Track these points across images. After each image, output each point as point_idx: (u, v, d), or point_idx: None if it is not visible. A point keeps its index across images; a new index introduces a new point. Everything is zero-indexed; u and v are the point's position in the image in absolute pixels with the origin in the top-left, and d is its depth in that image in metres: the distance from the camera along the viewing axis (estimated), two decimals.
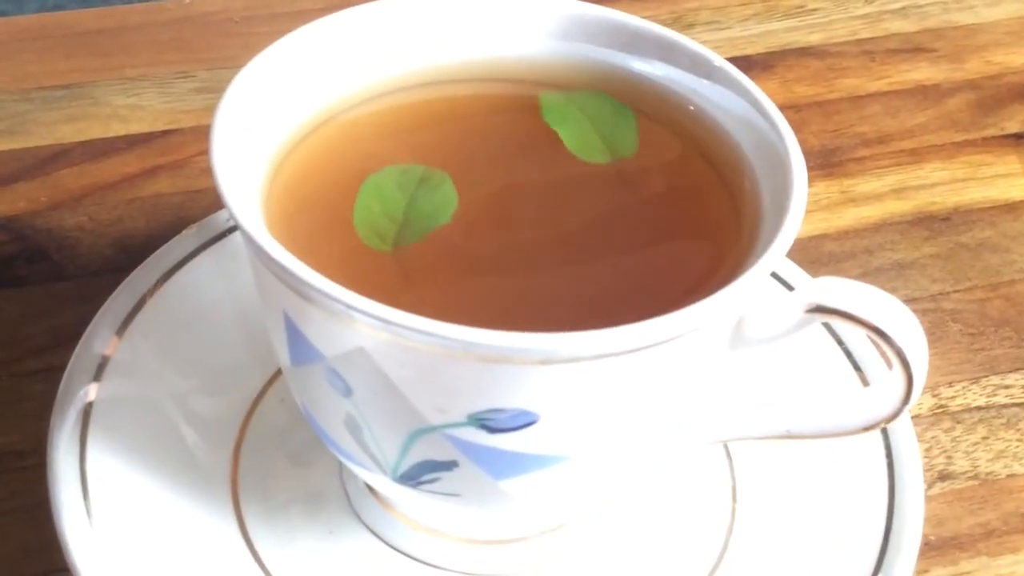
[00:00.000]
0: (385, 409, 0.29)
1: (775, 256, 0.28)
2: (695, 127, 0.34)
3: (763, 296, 0.30)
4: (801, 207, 0.29)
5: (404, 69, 0.36)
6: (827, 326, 0.39)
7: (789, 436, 0.33)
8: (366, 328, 0.27)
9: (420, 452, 0.30)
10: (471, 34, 0.36)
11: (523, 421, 0.29)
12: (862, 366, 0.39)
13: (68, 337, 0.39)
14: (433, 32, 0.35)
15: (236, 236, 0.41)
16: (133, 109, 0.51)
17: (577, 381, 0.28)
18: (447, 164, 0.33)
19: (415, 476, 0.31)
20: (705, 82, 0.35)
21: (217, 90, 0.52)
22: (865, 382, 0.38)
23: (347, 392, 0.30)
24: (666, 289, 0.30)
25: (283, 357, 0.32)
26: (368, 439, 0.31)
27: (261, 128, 0.32)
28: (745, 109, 0.33)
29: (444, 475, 0.31)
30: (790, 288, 0.41)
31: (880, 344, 0.30)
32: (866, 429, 0.32)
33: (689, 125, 0.34)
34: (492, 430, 0.29)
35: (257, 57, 0.32)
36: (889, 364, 0.31)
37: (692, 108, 0.35)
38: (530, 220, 0.32)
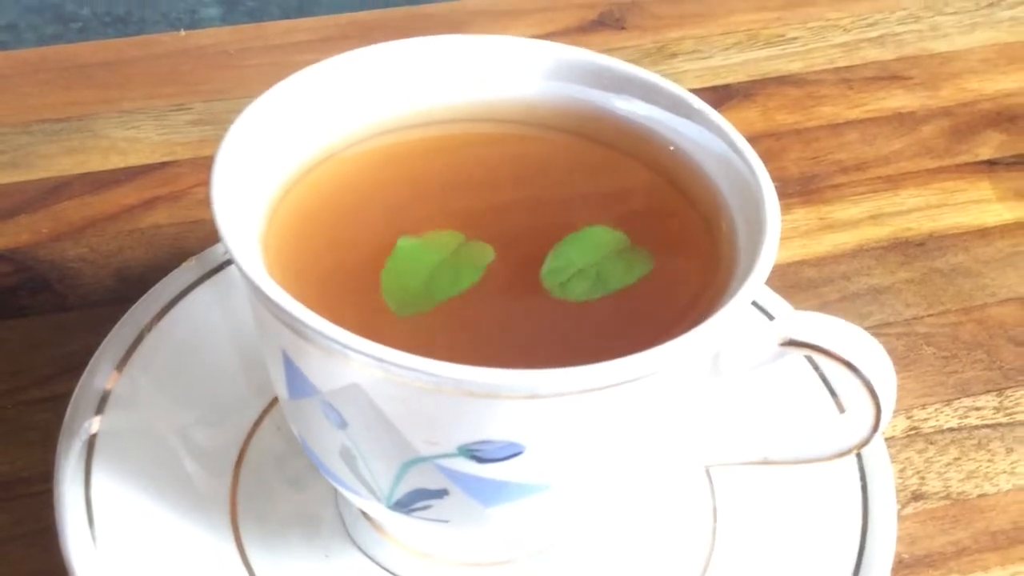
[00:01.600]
0: (379, 441, 0.31)
1: (746, 297, 0.29)
2: (675, 166, 0.36)
3: (740, 329, 0.32)
4: (773, 249, 0.31)
5: (399, 110, 0.37)
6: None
7: (766, 462, 0.35)
8: (361, 365, 0.29)
9: (412, 481, 0.32)
10: (461, 76, 0.37)
11: (510, 452, 0.30)
12: (838, 392, 0.40)
13: (72, 366, 0.40)
14: (425, 75, 0.37)
15: (233, 268, 0.42)
16: (131, 141, 0.52)
17: (561, 414, 0.29)
18: (443, 203, 0.34)
19: (408, 503, 0.33)
20: (685, 122, 0.36)
21: (213, 122, 0.53)
22: (841, 408, 0.40)
23: (342, 425, 0.31)
24: (646, 326, 0.32)
25: (281, 390, 0.33)
26: (362, 469, 0.32)
27: (260, 167, 0.34)
28: (723, 149, 0.35)
29: (435, 503, 0.32)
30: (769, 316, 0.42)
31: (849, 375, 0.31)
32: (838, 456, 0.34)
33: (669, 164, 0.36)
34: (481, 460, 0.30)
35: (258, 99, 0.34)
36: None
37: (672, 149, 0.36)
38: (517, 261, 0.33)
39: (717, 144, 0.35)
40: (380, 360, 0.28)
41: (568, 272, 0.33)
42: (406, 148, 0.37)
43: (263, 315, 0.31)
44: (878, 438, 0.39)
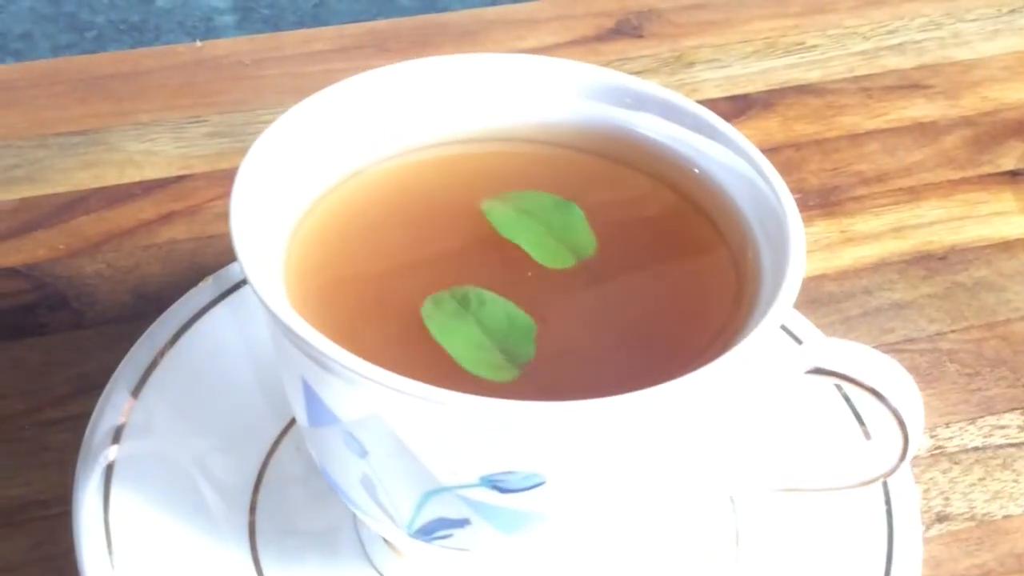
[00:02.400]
0: (400, 470, 0.31)
1: (771, 326, 0.29)
2: (698, 188, 0.35)
3: (766, 355, 0.32)
4: (798, 277, 0.30)
5: (420, 131, 0.37)
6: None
7: (792, 490, 0.34)
8: (383, 396, 0.28)
9: (434, 510, 0.31)
10: (483, 96, 0.37)
11: (533, 482, 0.30)
12: (865, 420, 0.40)
13: (89, 386, 0.40)
14: (447, 95, 0.37)
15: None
16: (147, 155, 0.52)
17: (584, 444, 0.29)
18: (467, 224, 0.34)
19: (429, 532, 0.32)
20: (709, 143, 0.36)
21: (229, 135, 0.53)
22: (867, 435, 0.39)
23: (363, 454, 0.31)
24: (670, 354, 0.31)
25: (301, 417, 0.33)
26: (383, 497, 0.32)
27: (280, 189, 0.34)
28: (747, 171, 0.34)
29: (456, 531, 0.32)
30: (793, 336, 0.42)
31: (877, 402, 0.31)
32: (864, 484, 0.33)
33: (693, 186, 0.35)
34: (503, 491, 0.30)
35: (278, 120, 0.34)
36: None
37: (696, 171, 0.36)
38: (541, 286, 0.33)
39: (741, 166, 0.35)
40: (402, 392, 0.28)
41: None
42: (428, 169, 0.36)
43: (283, 344, 0.30)
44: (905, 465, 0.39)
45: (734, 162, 0.35)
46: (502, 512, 0.31)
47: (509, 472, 0.29)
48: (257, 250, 0.31)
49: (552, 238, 0.34)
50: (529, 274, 0.33)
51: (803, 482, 0.34)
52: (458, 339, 0.31)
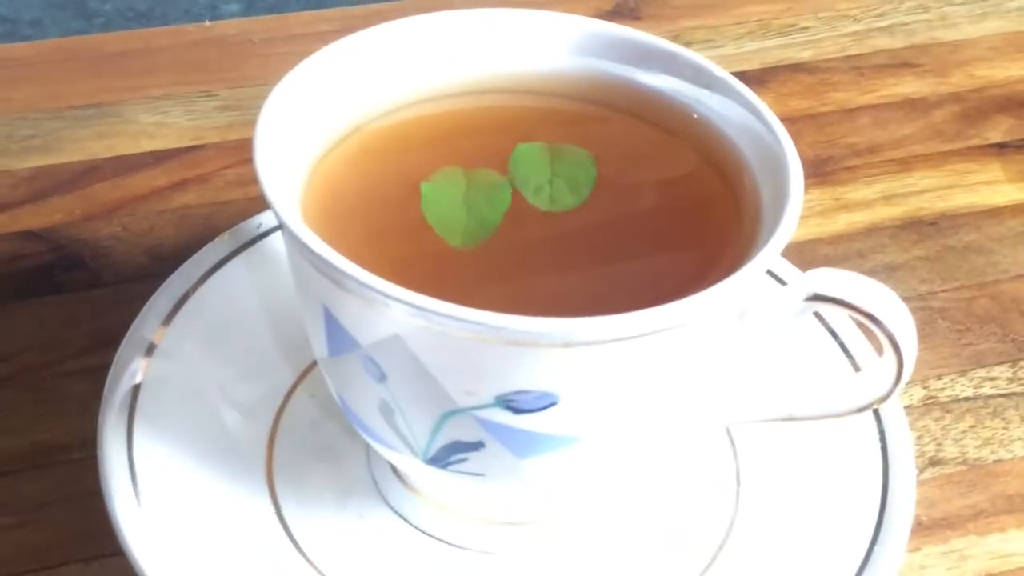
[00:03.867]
0: (417, 393, 0.32)
1: (778, 245, 0.30)
2: (698, 132, 0.37)
3: (764, 289, 0.33)
4: (799, 199, 0.32)
5: (425, 83, 0.38)
6: (820, 318, 0.42)
7: (791, 419, 0.36)
8: (401, 316, 0.30)
9: (449, 434, 0.33)
10: (485, 49, 0.38)
11: (547, 402, 0.31)
12: (853, 354, 0.41)
13: (107, 340, 0.41)
14: (451, 48, 0.38)
15: (265, 242, 0.43)
16: (160, 126, 0.54)
17: (595, 363, 0.30)
18: (471, 166, 0.36)
19: (444, 457, 0.34)
20: (706, 92, 0.37)
21: (239, 108, 0.55)
22: (856, 367, 0.41)
23: (381, 378, 0.32)
24: (676, 280, 0.33)
25: (320, 349, 0.34)
26: (400, 423, 0.33)
27: (298, 135, 0.35)
28: (744, 116, 0.36)
29: (471, 455, 0.33)
30: None
31: (872, 329, 0.33)
32: (861, 410, 0.35)
33: (693, 132, 0.37)
34: (517, 411, 0.31)
35: (295, 68, 0.35)
36: (879, 350, 0.34)
37: (696, 116, 0.37)
38: (551, 220, 0.34)
39: (738, 111, 0.36)
40: (420, 309, 0.29)
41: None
42: (433, 119, 0.38)
43: (304, 269, 0.32)
44: (898, 403, 0.40)
45: (730, 107, 0.36)
46: (516, 433, 0.32)
47: (523, 391, 0.31)
48: (280, 187, 0.32)
49: (558, 177, 0.35)
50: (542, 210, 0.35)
51: (802, 410, 0.35)
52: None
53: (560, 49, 0.38)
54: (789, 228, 0.31)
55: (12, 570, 0.37)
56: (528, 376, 0.30)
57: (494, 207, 0.34)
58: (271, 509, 0.38)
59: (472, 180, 0.35)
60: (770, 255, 0.31)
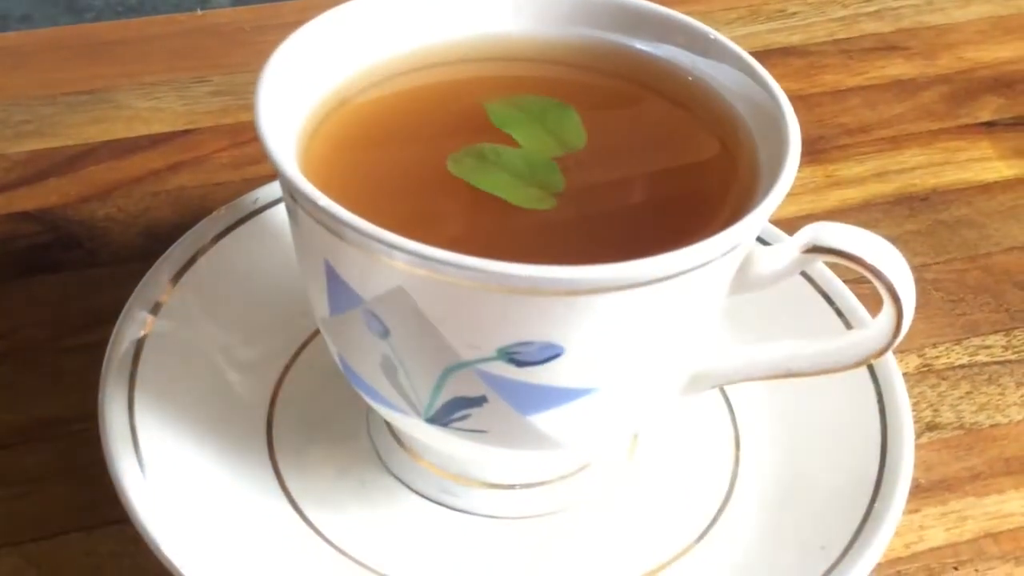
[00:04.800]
0: (420, 347, 0.32)
1: (776, 198, 0.31)
2: (694, 93, 0.37)
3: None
4: (797, 151, 0.32)
5: (420, 51, 0.38)
6: (809, 279, 0.42)
7: (790, 375, 0.36)
8: (403, 266, 0.30)
9: (452, 389, 0.33)
10: (478, 17, 0.38)
11: (549, 354, 0.31)
12: (845, 313, 0.41)
13: (104, 318, 0.41)
14: (444, 15, 0.38)
15: (261, 217, 0.43)
16: (154, 111, 0.54)
17: (598, 313, 0.30)
18: (466, 127, 0.36)
19: (446, 414, 0.34)
20: (701, 56, 0.37)
21: (232, 93, 0.55)
22: (848, 325, 0.41)
23: (384, 334, 0.32)
24: (678, 231, 0.33)
25: (322, 308, 0.34)
26: (403, 380, 0.33)
27: (292, 105, 0.35)
28: (739, 77, 0.36)
29: (474, 411, 0.33)
30: None
31: (871, 279, 0.33)
32: (860, 363, 0.35)
33: (689, 93, 0.37)
34: (520, 363, 0.31)
35: (293, 35, 0.35)
36: (871, 311, 0.34)
37: (691, 79, 0.37)
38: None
39: (733, 73, 0.37)
40: (423, 257, 0.29)
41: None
42: (428, 85, 0.38)
43: (306, 226, 0.32)
44: (895, 366, 0.40)
45: (726, 69, 0.37)
46: (519, 387, 0.32)
47: (525, 343, 0.31)
48: (282, 147, 0.32)
49: (546, 133, 0.35)
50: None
51: (801, 365, 0.35)
52: (493, 181, 0.32)
53: (554, 17, 0.39)
54: (789, 178, 0.32)
55: (13, 539, 0.37)
56: (530, 327, 0.31)
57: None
58: (272, 476, 0.38)
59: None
60: (771, 205, 0.31)
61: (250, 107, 0.33)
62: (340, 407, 0.40)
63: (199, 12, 0.60)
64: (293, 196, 0.32)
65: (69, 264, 0.46)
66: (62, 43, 0.57)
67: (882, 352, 0.34)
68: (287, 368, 0.41)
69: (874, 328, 0.34)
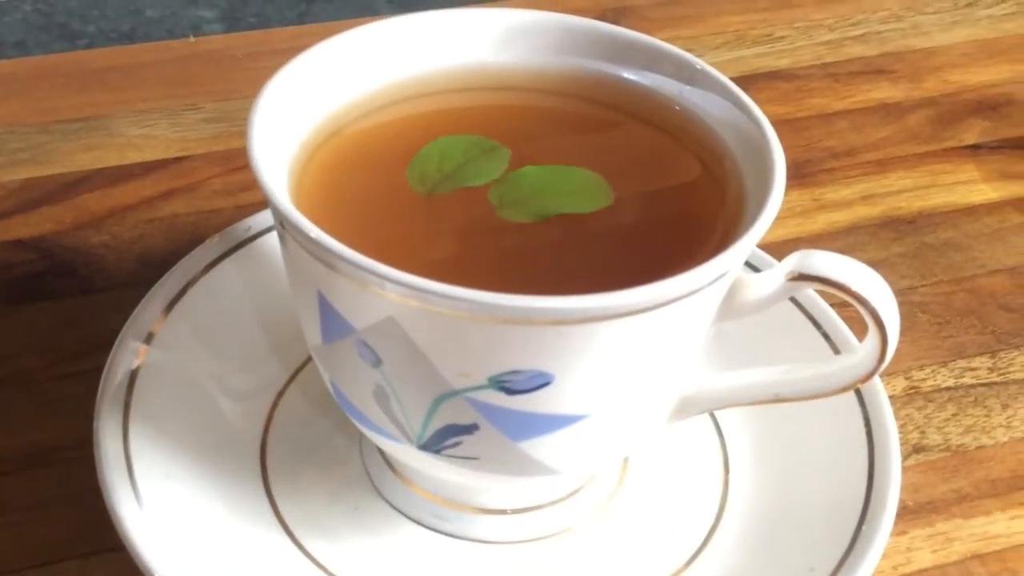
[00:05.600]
0: (412, 376, 0.32)
1: (764, 223, 0.31)
2: (681, 124, 0.38)
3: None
4: (782, 179, 0.33)
5: (411, 81, 0.39)
6: (796, 303, 0.43)
7: (778, 400, 0.36)
8: (395, 297, 0.30)
9: (444, 417, 0.33)
10: (469, 47, 0.39)
11: (539, 382, 0.32)
12: (832, 337, 0.42)
13: (101, 344, 0.42)
14: (434, 46, 0.39)
15: (254, 245, 0.44)
16: (146, 139, 0.54)
17: (588, 341, 0.31)
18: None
19: (438, 441, 0.34)
20: (688, 85, 0.38)
21: (224, 120, 0.55)
22: (836, 350, 0.42)
23: (376, 363, 0.33)
24: (665, 260, 0.33)
25: (315, 337, 0.35)
26: (395, 408, 0.34)
27: (284, 136, 0.36)
28: (725, 106, 0.37)
29: (466, 438, 0.34)
30: None
31: (856, 307, 0.33)
32: (846, 388, 0.35)
33: (675, 123, 0.38)
34: (511, 392, 0.32)
35: (284, 68, 0.36)
36: (858, 333, 0.34)
37: (678, 108, 0.38)
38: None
39: (719, 102, 0.37)
40: (414, 288, 0.29)
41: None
42: (420, 115, 0.39)
43: (299, 257, 0.32)
44: (881, 389, 0.41)
45: (712, 98, 0.37)
46: (510, 415, 0.33)
47: (516, 371, 0.31)
48: (274, 174, 0.33)
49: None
50: None
51: (789, 390, 0.36)
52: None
53: (543, 47, 0.39)
54: (775, 207, 0.32)
55: (9, 567, 0.38)
56: (520, 356, 0.31)
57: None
58: (266, 503, 0.38)
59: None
60: (758, 233, 0.31)
61: (242, 134, 0.33)
62: (333, 433, 0.41)
63: (191, 39, 0.60)
64: (284, 227, 0.32)
65: (64, 291, 0.47)
66: (55, 70, 0.58)
67: (868, 378, 0.35)
68: (280, 395, 0.41)
69: (860, 354, 0.35)
